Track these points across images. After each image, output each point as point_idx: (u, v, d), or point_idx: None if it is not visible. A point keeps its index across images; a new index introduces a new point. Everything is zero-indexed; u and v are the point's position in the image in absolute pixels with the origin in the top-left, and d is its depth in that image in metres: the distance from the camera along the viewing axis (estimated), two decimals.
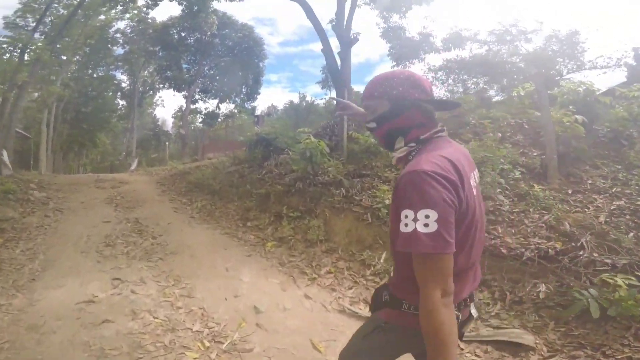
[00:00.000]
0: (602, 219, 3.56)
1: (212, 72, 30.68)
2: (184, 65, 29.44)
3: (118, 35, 27.98)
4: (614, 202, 3.86)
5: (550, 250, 3.20)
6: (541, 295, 2.94)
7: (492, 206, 3.99)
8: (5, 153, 8.91)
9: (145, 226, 5.86)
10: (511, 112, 6.70)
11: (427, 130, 1.08)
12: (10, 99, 10.78)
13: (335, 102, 2.25)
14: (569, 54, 14.01)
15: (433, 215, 0.85)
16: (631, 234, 3.23)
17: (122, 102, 32.15)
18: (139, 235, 5.45)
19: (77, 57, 26.19)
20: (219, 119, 30.40)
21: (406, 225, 0.88)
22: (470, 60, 15.73)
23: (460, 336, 1.06)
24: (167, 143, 20.10)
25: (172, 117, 38.79)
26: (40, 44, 11.14)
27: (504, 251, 3.34)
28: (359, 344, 1.21)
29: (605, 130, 5.24)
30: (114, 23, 26.44)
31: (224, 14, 26.56)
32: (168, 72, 29.02)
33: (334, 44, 10.03)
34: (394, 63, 17.69)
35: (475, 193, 1.04)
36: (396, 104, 1.08)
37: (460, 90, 16.58)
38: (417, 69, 17.51)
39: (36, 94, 19.12)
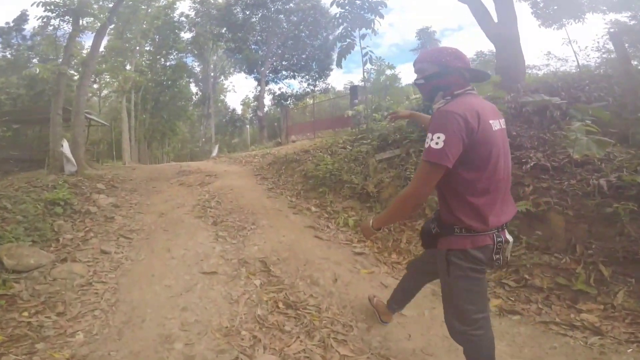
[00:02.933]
0: None
1: (279, 51, 27.40)
2: (252, 46, 26.65)
3: (183, 19, 26.50)
4: None
5: None
6: None
7: None
8: (66, 144, 6.29)
9: (293, 292, 2.51)
10: None
11: (460, 88, 1.38)
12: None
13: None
14: None
15: (442, 137, 1.20)
16: None
17: (195, 90, 31.01)
18: (296, 322, 2.18)
19: (148, 46, 25.13)
20: (290, 99, 27.29)
21: (427, 143, 1.24)
22: None
23: (505, 261, 1.39)
24: (248, 127, 17.42)
25: (241, 103, 37.06)
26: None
27: None
28: (451, 284, 1.39)
29: None
30: (177, 5, 24.86)
31: None
32: (237, 54, 26.48)
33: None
34: (540, 22, 12.26)
35: (498, 134, 1.33)
36: (443, 68, 1.39)
37: None
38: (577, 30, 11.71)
39: (115, 83, 17.61)
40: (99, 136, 25.06)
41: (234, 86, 42.37)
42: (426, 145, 1.24)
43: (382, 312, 2.25)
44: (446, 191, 1.36)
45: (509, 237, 1.40)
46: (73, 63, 24.93)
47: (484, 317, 1.40)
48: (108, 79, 21.71)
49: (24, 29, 19.08)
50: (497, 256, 1.34)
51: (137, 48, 20.54)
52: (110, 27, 19.44)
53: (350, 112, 9.80)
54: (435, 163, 1.22)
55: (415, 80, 1.49)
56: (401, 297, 2.10)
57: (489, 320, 1.45)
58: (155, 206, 5.21)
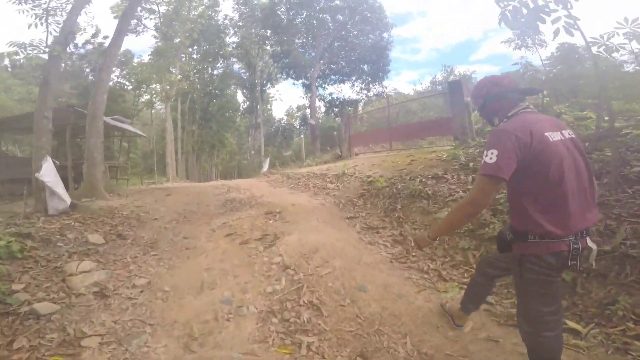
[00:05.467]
0: None
1: (326, 54, 24.67)
2: (299, 50, 24.30)
3: (227, 22, 25.07)
4: None
5: None
6: None
7: None
8: (48, 167, 3.73)
9: None
10: None
11: (511, 109, 1.45)
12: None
13: None
14: None
15: (495, 152, 1.26)
16: None
17: (243, 99, 29.50)
18: None
19: (195, 54, 23.86)
20: (342, 106, 24.41)
21: (483, 159, 1.30)
22: None
23: (589, 267, 1.63)
24: (302, 137, 14.70)
25: (285, 114, 34.96)
26: None
27: None
28: (524, 286, 1.39)
29: None
30: (220, 6, 23.46)
31: None
32: (284, 58, 24.26)
33: None
34: None
35: (560, 145, 1.33)
36: (485, 99, 1.54)
37: None
38: None
39: (158, 86, 15.93)
40: (150, 148, 23.96)
41: (280, 94, 40.51)
42: (482, 162, 1.30)
43: (456, 315, 2.14)
44: (516, 202, 1.38)
45: (592, 245, 1.37)
46: (125, 74, 24.77)
47: (555, 319, 1.38)
48: (156, 87, 20.42)
49: (74, 37, 18.20)
50: (573, 262, 1.31)
51: (182, 52, 18.99)
52: (154, 28, 18.21)
53: (474, 115, 6.53)
54: (490, 175, 1.27)
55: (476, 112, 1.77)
56: (474, 296, 2.01)
57: (561, 323, 1.50)
58: (179, 301, 2.45)
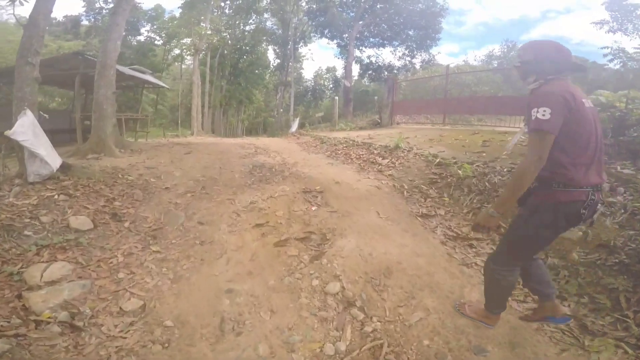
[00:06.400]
0: None
1: (366, 15, 21.91)
2: (338, 9, 21.74)
3: None
4: None
5: None
6: None
7: None
8: (27, 122, 2.74)
9: None
10: None
11: (552, 74, 1.46)
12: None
13: None
14: None
15: (548, 110, 1.30)
16: None
17: (273, 57, 27.64)
18: None
19: (227, 8, 21.94)
20: (381, 71, 22.17)
21: (533, 116, 1.33)
22: None
23: (591, 220, 1.49)
24: (336, 98, 13.15)
25: (313, 75, 32.78)
26: None
27: None
28: (520, 231, 1.52)
29: None
30: None
31: None
32: (320, 16, 21.89)
33: None
34: None
35: (589, 111, 1.41)
36: (538, 57, 1.48)
37: None
38: None
39: (188, 40, 14.60)
40: (177, 101, 23.09)
41: (312, 54, 37.95)
42: (533, 118, 1.33)
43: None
44: (549, 153, 1.38)
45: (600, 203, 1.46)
46: (155, 28, 23.35)
47: (523, 266, 1.62)
48: (186, 41, 19.05)
49: None
50: (584, 211, 1.40)
51: (214, 5, 17.30)
52: None
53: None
54: (545, 131, 1.31)
55: (515, 62, 1.61)
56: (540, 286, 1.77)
57: (523, 270, 1.64)
58: (188, 350, 1.45)
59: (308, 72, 58.74)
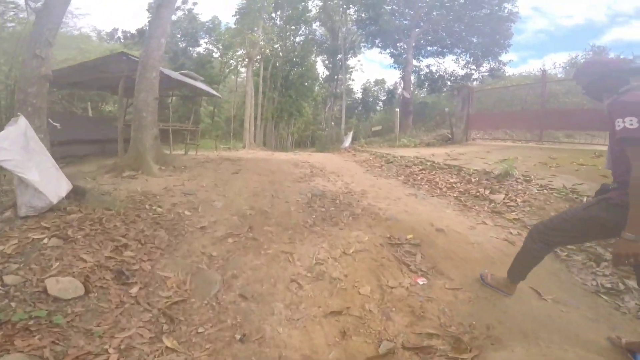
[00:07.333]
0: None
1: (421, 23, 20.29)
2: (392, 17, 20.46)
3: None
4: None
5: None
6: None
7: None
8: (7, 134, 1.92)
9: None
10: None
11: (621, 86, 1.47)
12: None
13: None
14: None
15: (635, 119, 1.30)
16: None
17: (322, 69, 27.20)
18: None
19: (278, 19, 21.87)
20: (441, 81, 20.38)
21: (618, 126, 1.34)
22: None
23: None
24: (397, 110, 11.79)
25: (361, 87, 31.69)
26: None
27: None
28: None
29: None
30: None
31: None
32: (371, 25, 20.78)
33: None
34: None
35: None
36: (595, 76, 1.56)
37: None
38: None
39: (242, 51, 14.39)
40: (232, 113, 23.41)
41: (361, 65, 36.99)
42: (620, 128, 1.33)
43: (504, 284, 1.92)
44: (621, 160, 1.43)
45: None
46: (213, 40, 24.15)
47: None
48: (241, 52, 19.18)
49: None
50: None
51: (265, 12, 17.11)
52: None
53: None
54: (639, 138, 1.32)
55: (583, 89, 1.66)
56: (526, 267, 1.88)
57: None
58: None
59: (356, 84, 57.97)
